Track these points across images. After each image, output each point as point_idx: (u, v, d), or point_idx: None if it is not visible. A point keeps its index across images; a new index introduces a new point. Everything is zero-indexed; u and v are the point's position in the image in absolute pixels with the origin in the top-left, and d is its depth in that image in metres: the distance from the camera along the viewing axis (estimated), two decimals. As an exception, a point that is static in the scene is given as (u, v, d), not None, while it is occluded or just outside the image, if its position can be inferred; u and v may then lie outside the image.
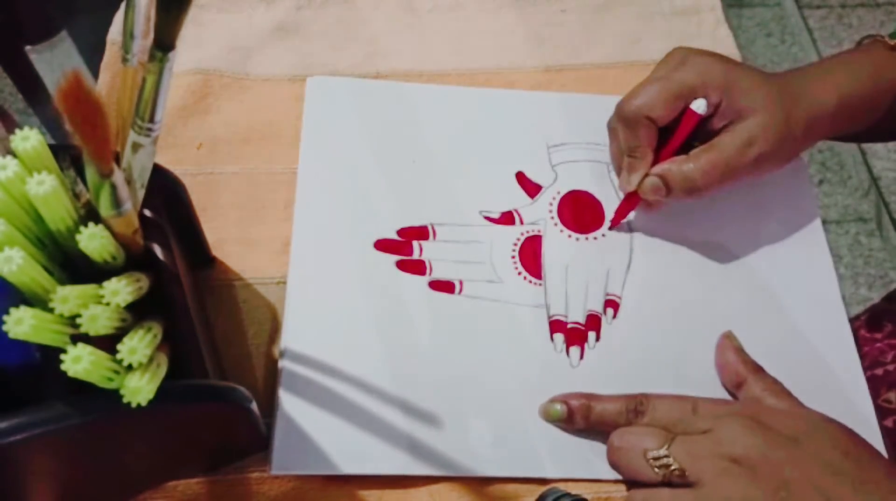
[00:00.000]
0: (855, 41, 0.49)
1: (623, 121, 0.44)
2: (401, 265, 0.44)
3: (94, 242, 0.27)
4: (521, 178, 0.48)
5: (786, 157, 0.44)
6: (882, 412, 0.42)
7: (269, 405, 0.39)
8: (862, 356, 0.44)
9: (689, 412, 0.38)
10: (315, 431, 0.39)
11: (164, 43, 0.27)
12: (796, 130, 0.43)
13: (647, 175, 0.44)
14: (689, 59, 0.44)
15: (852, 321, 0.59)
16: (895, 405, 0.53)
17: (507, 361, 0.42)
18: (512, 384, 0.41)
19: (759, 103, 0.42)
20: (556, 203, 0.47)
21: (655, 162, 0.44)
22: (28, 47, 0.24)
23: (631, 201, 0.46)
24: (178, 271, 0.35)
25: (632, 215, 0.47)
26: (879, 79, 0.45)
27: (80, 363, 0.25)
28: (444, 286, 0.43)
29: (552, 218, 0.46)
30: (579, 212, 0.47)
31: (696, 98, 0.42)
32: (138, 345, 0.27)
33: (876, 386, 0.42)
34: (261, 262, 0.45)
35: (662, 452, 0.36)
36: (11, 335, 0.25)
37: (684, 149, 0.44)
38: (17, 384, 0.29)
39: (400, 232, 0.45)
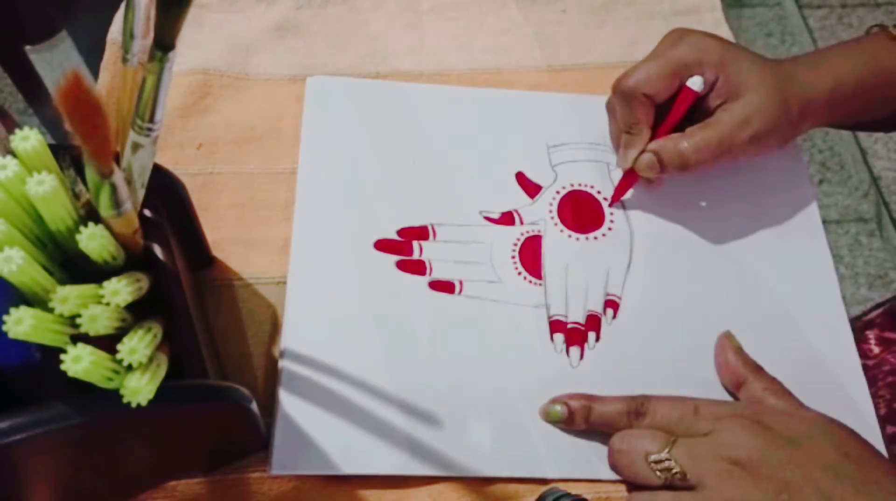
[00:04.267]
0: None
1: (620, 98, 0.45)
2: (401, 265, 0.44)
3: (94, 242, 0.27)
4: (521, 178, 0.48)
5: (783, 138, 0.45)
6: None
7: (269, 405, 0.39)
8: (881, 362, 0.44)
9: (690, 414, 0.38)
10: (315, 431, 0.39)
11: (164, 43, 0.27)
12: (792, 113, 0.43)
13: (643, 152, 0.44)
14: (685, 37, 0.44)
15: (864, 321, 0.58)
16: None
17: (507, 361, 0.42)
18: (512, 384, 0.41)
19: (754, 83, 0.43)
20: (556, 203, 0.47)
21: (652, 139, 0.44)
22: (28, 47, 0.24)
23: (629, 178, 0.46)
24: (178, 271, 0.35)
25: (632, 215, 0.47)
26: (878, 68, 0.45)
27: (80, 363, 0.25)
28: (444, 286, 0.43)
29: (552, 218, 0.46)
30: (579, 212, 0.47)
31: (691, 75, 0.43)
32: (138, 345, 0.27)
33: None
34: (261, 262, 0.44)
35: (664, 455, 0.36)
36: (11, 335, 0.25)
37: (682, 128, 0.44)
38: (17, 384, 0.29)
39: (400, 232, 0.45)
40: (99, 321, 0.26)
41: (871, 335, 0.57)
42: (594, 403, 0.39)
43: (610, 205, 0.47)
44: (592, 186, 0.48)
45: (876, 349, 0.56)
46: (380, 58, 0.53)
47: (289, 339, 0.41)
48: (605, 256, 0.45)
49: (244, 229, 0.46)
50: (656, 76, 0.43)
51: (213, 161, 0.48)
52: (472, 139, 0.49)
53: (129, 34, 0.29)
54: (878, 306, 0.60)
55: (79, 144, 0.26)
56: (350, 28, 0.54)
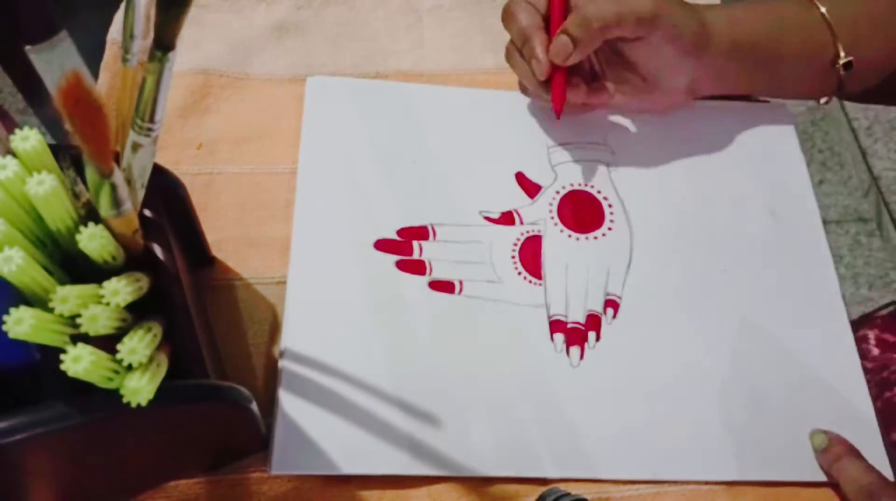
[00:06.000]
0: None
1: (509, 18, 0.45)
2: (401, 265, 0.44)
3: (94, 242, 0.27)
4: (520, 178, 0.48)
5: (681, 34, 0.44)
6: None
7: (269, 405, 0.39)
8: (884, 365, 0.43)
9: None
10: (315, 431, 0.39)
11: (164, 43, 0.27)
12: (691, 11, 0.44)
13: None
14: None
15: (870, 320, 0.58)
16: None
17: (507, 361, 0.42)
18: (512, 384, 0.41)
19: None
20: (555, 203, 0.47)
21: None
22: (28, 47, 0.24)
23: (558, 79, 0.45)
24: (178, 271, 0.35)
25: (632, 215, 0.47)
26: (782, 26, 0.46)
27: (80, 363, 0.25)
28: (444, 286, 0.43)
29: (552, 218, 0.46)
30: (579, 212, 0.47)
31: None
32: (138, 345, 0.27)
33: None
34: (261, 262, 0.45)
35: None
36: (11, 335, 0.25)
37: None
38: (17, 384, 0.29)
39: (400, 232, 0.45)
40: (99, 321, 0.26)
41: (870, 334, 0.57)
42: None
43: (558, 117, 0.46)
44: (592, 186, 0.48)
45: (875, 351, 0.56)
46: (380, 58, 0.53)
47: (289, 339, 0.41)
48: (605, 256, 0.45)
49: (244, 229, 0.46)
50: None
51: (213, 161, 0.48)
52: (472, 139, 0.49)
53: (129, 34, 0.29)
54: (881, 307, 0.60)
55: (79, 144, 0.26)
56: (350, 28, 0.54)
